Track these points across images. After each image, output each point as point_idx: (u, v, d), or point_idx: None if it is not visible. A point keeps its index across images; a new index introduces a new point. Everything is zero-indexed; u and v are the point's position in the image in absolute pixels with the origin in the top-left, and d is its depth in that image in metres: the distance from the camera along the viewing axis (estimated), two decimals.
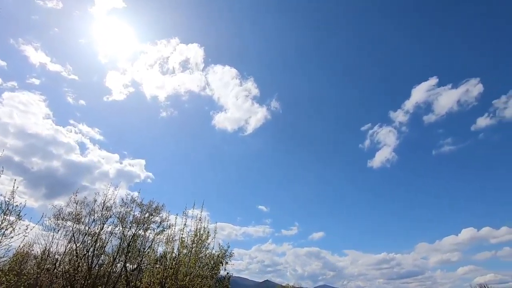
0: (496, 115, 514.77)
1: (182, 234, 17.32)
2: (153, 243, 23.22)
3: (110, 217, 21.88)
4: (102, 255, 21.56)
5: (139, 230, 23.58)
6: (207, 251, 18.54)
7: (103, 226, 21.23)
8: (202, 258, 18.15)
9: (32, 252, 21.45)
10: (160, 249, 21.61)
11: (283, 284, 59.24)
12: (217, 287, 26.83)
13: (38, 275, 18.55)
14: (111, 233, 21.76)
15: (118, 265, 22.41)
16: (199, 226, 17.71)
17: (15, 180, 13.13)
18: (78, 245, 20.32)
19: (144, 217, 23.91)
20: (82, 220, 21.03)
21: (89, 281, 19.07)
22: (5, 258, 13.77)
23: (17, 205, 12.99)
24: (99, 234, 20.82)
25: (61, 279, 18.81)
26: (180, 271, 16.11)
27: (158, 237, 23.49)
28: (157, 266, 18.25)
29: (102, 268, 20.88)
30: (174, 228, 17.91)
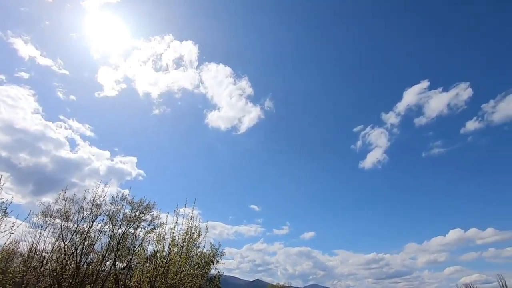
0: (484, 119, 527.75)
1: (173, 233, 17.19)
2: (143, 242, 23.06)
3: (100, 214, 21.64)
4: (91, 253, 21.29)
5: (130, 228, 23.37)
6: (198, 250, 18.49)
7: (92, 224, 20.96)
8: (193, 257, 18.08)
9: (19, 249, 21.03)
10: (151, 248, 21.51)
11: (274, 284, 59.47)
12: (207, 286, 26.79)
13: (24, 273, 18.17)
14: (100, 231, 21.49)
15: (107, 263, 22.17)
16: (190, 225, 17.61)
17: (1, 175, 12.83)
18: (66, 243, 19.99)
19: (135, 215, 23.70)
20: (71, 217, 20.70)
21: (77, 280, 18.79)
22: None
23: (3, 202, 12.76)
24: (88, 232, 20.53)
25: (48, 277, 18.48)
26: (170, 270, 16.00)
27: (148, 235, 23.35)
28: (147, 264, 18.10)
29: (90, 267, 20.60)
30: (165, 227, 17.78)
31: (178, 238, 17.24)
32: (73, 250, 19.85)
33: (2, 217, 12.56)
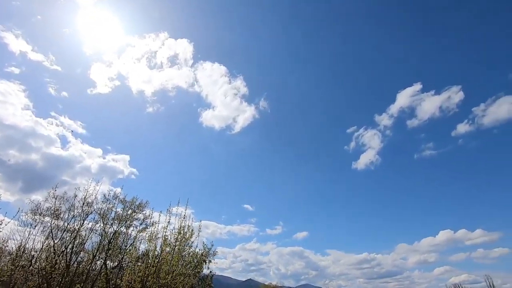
0: (475, 122, 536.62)
1: (166, 232, 17.14)
2: (135, 241, 22.83)
3: (91, 213, 21.34)
4: (82, 252, 21.01)
5: (121, 227, 23.12)
6: (191, 250, 18.50)
7: (83, 223, 20.68)
8: (185, 256, 18.05)
9: (7, 248, 20.61)
10: (143, 247, 21.33)
11: (266, 283, 59.65)
12: (199, 286, 26.71)
13: (13, 272, 17.83)
14: (91, 229, 21.21)
15: (98, 262, 21.91)
16: (183, 224, 17.59)
17: None
18: (56, 241, 19.68)
19: (127, 214, 23.46)
20: (61, 216, 20.38)
21: (66, 279, 18.53)
22: None
23: None
24: (78, 230, 20.25)
25: (36, 276, 18.17)
26: (162, 269, 15.92)
27: (140, 234, 23.13)
28: (139, 264, 17.97)
29: (81, 266, 20.34)
30: (158, 226, 17.70)
31: (171, 237, 17.19)
32: (63, 249, 19.56)
33: None
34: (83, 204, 20.76)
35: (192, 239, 17.82)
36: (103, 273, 21.48)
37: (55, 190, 20.50)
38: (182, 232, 17.37)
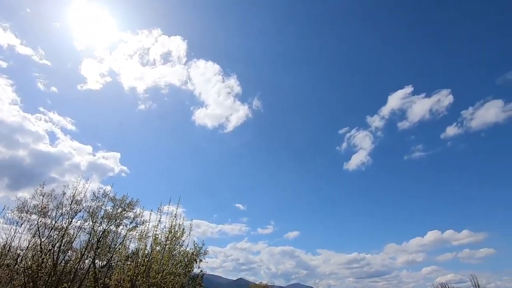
0: (463, 125, 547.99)
1: (156, 231, 16.98)
2: (125, 240, 22.60)
3: (80, 211, 20.96)
4: (69, 251, 20.64)
5: (111, 225, 22.83)
6: (181, 249, 18.33)
7: (71, 221, 20.29)
8: (175, 255, 17.91)
9: None
10: (132, 246, 21.11)
11: (257, 283, 59.82)
12: (190, 285, 26.61)
13: None
14: (80, 228, 20.85)
15: (86, 261, 21.58)
16: (174, 223, 17.45)
17: None
18: (43, 240, 19.28)
19: (117, 212, 23.17)
20: (49, 213, 19.94)
21: (53, 278, 18.17)
22: None
23: None
24: (66, 228, 19.88)
25: (22, 275, 17.77)
26: (152, 269, 15.78)
27: (130, 233, 22.89)
28: (128, 263, 17.77)
29: (68, 265, 19.97)
30: (148, 225, 17.47)
31: (161, 236, 17.05)
32: (50, 248, 19.17)
33: None
34: (72, 202, 20.36)
35: (183, 238, 17.68)
36: (92, 272, 21.17)
37: (43, 187, 20.06)
38: (173, 231, 17.23)
